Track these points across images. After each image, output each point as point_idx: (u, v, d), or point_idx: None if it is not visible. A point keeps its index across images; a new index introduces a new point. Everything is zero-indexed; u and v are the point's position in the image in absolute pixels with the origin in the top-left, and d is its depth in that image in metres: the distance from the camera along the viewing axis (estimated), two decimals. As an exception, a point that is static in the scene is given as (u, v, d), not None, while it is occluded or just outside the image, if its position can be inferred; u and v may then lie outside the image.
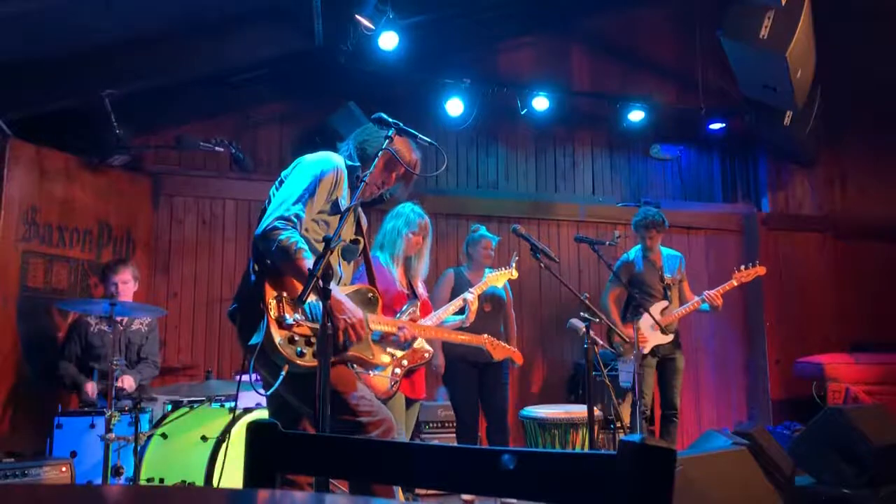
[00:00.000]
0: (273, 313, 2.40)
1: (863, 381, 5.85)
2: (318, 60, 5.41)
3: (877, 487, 3.81)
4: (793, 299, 6.76)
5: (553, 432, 4.54)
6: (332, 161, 2.63)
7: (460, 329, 3.66)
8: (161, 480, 3.52)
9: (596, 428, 3.70)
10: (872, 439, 3.91)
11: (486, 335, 3.65)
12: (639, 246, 5.21)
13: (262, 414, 3.57)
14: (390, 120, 2.57)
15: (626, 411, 4.86)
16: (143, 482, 3.49)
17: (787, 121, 6.13)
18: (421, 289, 3.66)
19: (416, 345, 3.34)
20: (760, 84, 5.49)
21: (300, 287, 2.45)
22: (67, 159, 4.74)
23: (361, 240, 2.78)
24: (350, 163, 2.71)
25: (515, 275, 4.08)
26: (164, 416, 3.77)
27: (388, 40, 5.12)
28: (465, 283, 4.44)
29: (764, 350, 6.61)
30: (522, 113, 6.14)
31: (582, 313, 3.70)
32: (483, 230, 4.76)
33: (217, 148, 4.93)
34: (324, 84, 5.63)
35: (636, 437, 0.79)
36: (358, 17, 4.84)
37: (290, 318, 2.42)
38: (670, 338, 4.94)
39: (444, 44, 6.09)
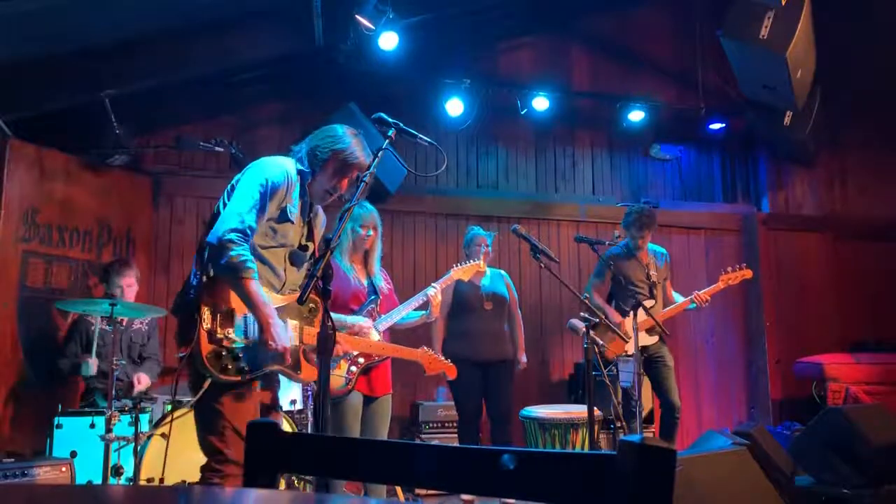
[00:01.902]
0: (206, 325, 2.40)
1: (863, 381, 5.84)
2: (318, 60, 5.41)
3: (877, 487, 3.81)
4: (793, 299, 6.75)
5: (553, 432, 4.54)
6: (282, 171, 2.60)
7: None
8: (161, 480, 3.52)
9: (596, 428, 3.70)
10: (872, 439, 3.90)
11: (422, 348, 3.50)
12: (625, 241, 5.14)
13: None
14: (390, 120, 2.57)
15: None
16: (143, 482, 3.49)
17: (787, 121, 6.14)
18: (382, 284, 3.61)
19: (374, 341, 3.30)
20: (760, 84, 5.50)
21: (236, 301, 2.46)
22: (67, 159, 4.74)
23: (311, 245, 2.77)
24: (300, 167, 2.69)
25: (483, 267, 4.05)
26: (164, 416, 3.78)
27: (388, 40, 5.12)
28: (465, 284, 4.44)
29: (764, 350, 6.60)
30: (522, 113, 6.14)
31: (582, 313, 3.70)
32: (477, 229, 4.76)
33: (217, 148, 4.93)
34: (324, 84, 5.63)
35: (636, 437, 0.79)
36: (358, 17, 4.84)
37: (220, 332, 2.42)
38: (655, 339, 4.91)
39: (444, 44, 6.09)
